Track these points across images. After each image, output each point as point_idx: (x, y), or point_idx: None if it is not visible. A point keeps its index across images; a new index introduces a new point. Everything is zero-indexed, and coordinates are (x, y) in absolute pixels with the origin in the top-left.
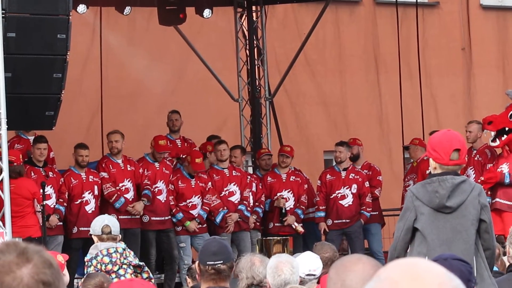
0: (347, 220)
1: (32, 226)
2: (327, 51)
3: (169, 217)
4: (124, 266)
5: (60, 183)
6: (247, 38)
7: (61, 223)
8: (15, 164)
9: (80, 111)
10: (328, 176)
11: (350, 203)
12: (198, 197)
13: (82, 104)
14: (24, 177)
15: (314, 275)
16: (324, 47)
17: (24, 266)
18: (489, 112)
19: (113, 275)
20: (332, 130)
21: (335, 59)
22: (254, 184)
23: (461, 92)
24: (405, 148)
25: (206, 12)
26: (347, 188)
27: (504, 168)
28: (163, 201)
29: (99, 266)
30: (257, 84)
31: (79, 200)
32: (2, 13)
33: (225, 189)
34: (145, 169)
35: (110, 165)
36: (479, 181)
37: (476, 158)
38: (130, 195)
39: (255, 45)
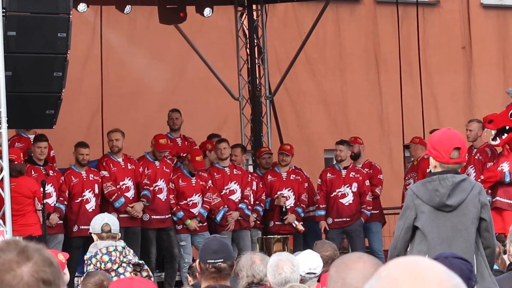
0: (347, 219)
1: (33, 224)
2: (327, 50)
3: (170, 215)
4: (124, 264)
5: (61, 181)
6: (247, 37)
7: (62, 222)
8: (15, 162)
9: (80, 110)
10: (328, 174)
11: (351, 201)
12: (199, 196)
13: (82, 102)
14: (25, 175)
15: (315, 273)
16: (325, 46)
17: (24, 265)
18: (489, 111)
19: (113, 274)
20: (333, 128)
21: (335, 58)
22: (254, 183)
23: (461, 91)
24: (406, 147)
25: (207, 11)
26: (347, 187)
27: (505, 167)
28: (163, 200)
29: (98, 264)
30: (257, 82)
31: (80, 199)
32: (3, 12)
33: (225, 187)
34: (146, 168)
35: (111, 164)
36: (479, 180)
37: (476, 157)
38: (130, 194)
39: (255, 44)
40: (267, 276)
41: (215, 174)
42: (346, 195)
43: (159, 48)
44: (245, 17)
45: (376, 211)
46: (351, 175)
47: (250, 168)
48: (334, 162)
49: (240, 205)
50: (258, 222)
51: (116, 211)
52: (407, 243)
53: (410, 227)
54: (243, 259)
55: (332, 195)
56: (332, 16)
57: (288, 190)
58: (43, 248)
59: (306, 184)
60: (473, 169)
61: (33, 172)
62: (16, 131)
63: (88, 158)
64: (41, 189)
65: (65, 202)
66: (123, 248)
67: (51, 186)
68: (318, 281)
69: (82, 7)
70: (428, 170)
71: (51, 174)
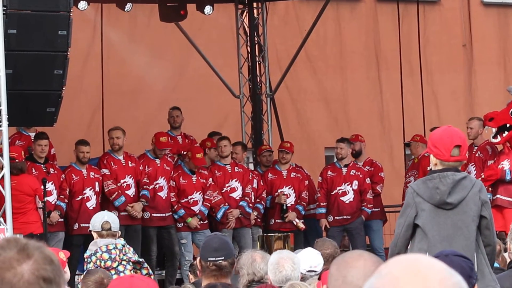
0: (348, 217)
1: (34, 222)
2: (328, 47)
3: (170, 213)
4: (124, 262)
5: (61, 179)
6: (248, 34)
7: (62, 220)
8: (17, 160)
9: (81, 108)
10: (329, 172)
11: (351, 199)
12: (199, 193)
13: (83, 100)
14: (26, 173)
15: (315, 271)
16: (325, 43)
17: (25, 262)
18: (490, 109)
19: (113, 272)
20: (333, 126)
21: (336, 55)
22: (255, 181)
23: (462, 89)
24: (406, 145)
25: (207, 9)
26: (348, 185)
27: (505, 164)
28: (164, 198)
29: (98, 262)
30: (258, 80)
31: (80, 197)
32: (3, 10)
33: (226, 185)
34: (146, 166)
35: (112, 162)
36: (479, 178)
37: (477, 155)
38: (131, 192)
39: (256, 42)
40: (267, 274)
41: (216, 171)
42: (347, 193)
43: (160, 46)
44: (245, 15)
45: (377, 209)
46: (351, 173)
47: (251, 166)
48: (335, 160)
49: (241, 203)
50: (259, 220)
51: (117, 209)
52: (407, 241)
53: (411, 225)
54: (244, 257)
55: (332, 193)
56: (332, 14)
57: (289, 188)
58: (44, 246)
59: (306, 182)
60: (473, 167)
61: (33, 170)
62: (17, 129)
63: (88, 156)
64: (42, 187)
65: (66, 200)
66: (123, 246)
67: (51, 184)
68: (319, 279)
69: (82, 5)
70: (428, 168)
71: (51, 172)
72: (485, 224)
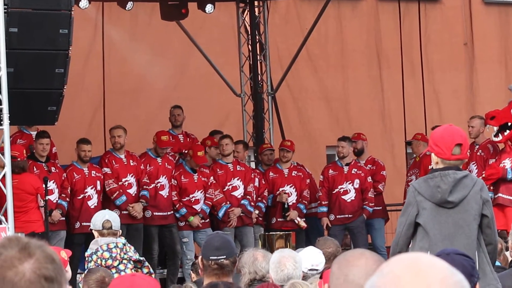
0: (349, 215)
1: (36, 221)
2: (329, 46)
3: (172, 212)
4: (124, 261)
5: (63, 178)
6: (249, 33)
7: (64, 218)
8: (18, 159)
9: (82, 106)
10: (330, 171)
11: (353, 198)
12: (201, 192)
13: (84, 99)
14: (27, 172)
15: (317, 270)
16: (326, 42)
17: (26, 261)
18: (491, 107)
19: (113, 270)
20: (334, 125)
21: (337, 54)
22: (257, 179)
23: (463, 88)
24: (408, 143)
25: (208, 7)
26: (349, 183)
27: (507, 163)
28: (165, 196)
29: (99, 261)
30: (259, 79)
31: (82, 195)
32: (5, 8)
33: (228, 183)
34: (148, 164)
35: (113, 160)
36: (480, 177)
37: (478, 153)
38: (133, 190)
39: (257, 40)
40: (269, 272)
41: (218, 170)
42: (348, 191)
43: (161, 45)
44: (247, 14)
45: (379, 208)
46: (353, 172)
47: (252, 165)
48: (336, 158)
49: (242, 202)
50: (260, 219)
51: (118, 208)
52: (409, 239)
53: (412, 224)
54: (245, 256)
55: (334, 192)
56: (334, 13)
57: (290, 187)
58: (45, 244)
59: (308, 181)
60: (475, 166)
61: (35, 169)
62: (18, 127)
63: (90, 155)
64: (43, 185)
65: (67, 199)
66: (124, 244)
67: (53, 182)
68: (321, 277)
69: (83, 3)
70: (430, 167)
71: (53, 170)
72: (487, 222)
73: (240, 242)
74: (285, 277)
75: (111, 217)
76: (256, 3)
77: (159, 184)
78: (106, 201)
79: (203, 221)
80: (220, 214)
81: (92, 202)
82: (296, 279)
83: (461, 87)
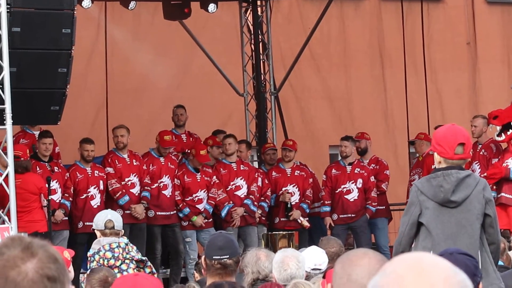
0: (352, 215)
1: (39, 221)
2: (332, 45)
3: (175, 212)
4: (127, 261)
5: (66, 177)
6: (252, 32)
7: (67, 218)
8: (22, 159)
9: (85, 106)
10: (333, 170)
11: (356, 197)
12: (204, 191)
13: (87, 98)
14: (31, 172)
15: (320, 269)
16: (329, 41)
17: (29, 261)
18: (494, 107)
19: (116, 270)
20: (337, 124)
21: (340, 53)
22: (260, 179)
23: (466, 87)
24: (411, 143)
25: (211, 7)
26: (352, 183)
27: (510, 163)
28: (168, 196)
29: (101, 261)
30: (262, 78)
31: (85, 195)
32: (7, 8)
33: (231, 183)
34: (151, 164)
35: (116, 160)
36: (483, 177)
37: (481, 153)
38: (136, 190)
39: (260, 40)
40: (272, 272)
41: (222, 169)
42: (351, 191)
43: (164, 44)
44: (249, 13)
45: (382, 207)
46: (356, 171)
47: (255, 164)
48: (339, 158)
49: (245, 201)
50: (263, 218)
51: (121, 208)
52: (411, 239)
53: (415, 223)
54: (249, 256)
55: (337, 191)
56: (336, 12)
57: (293, 186)
58: (48, 244)
59: (311, 180)
60: (478, 165)
61: (38, 169)
62: (21, 127)
63: (93, 154)
64: (46, 185)
65: (70, 199)
66: (126, 244)
67: (56, 182)
68: (324, 277)
69: (86, 3)
70: (433, 166)
71: (56, 170)
72: (489, 222)
73: (244, 242)
74: (288, 277)
75: (113, 217)
76: (259, 2)
77: (162, 184)
78: (109, 201)
79: (206, 220)
80: (223, 213)
81: (95, 202)
82: (299, 279)
83: (464, 87)
